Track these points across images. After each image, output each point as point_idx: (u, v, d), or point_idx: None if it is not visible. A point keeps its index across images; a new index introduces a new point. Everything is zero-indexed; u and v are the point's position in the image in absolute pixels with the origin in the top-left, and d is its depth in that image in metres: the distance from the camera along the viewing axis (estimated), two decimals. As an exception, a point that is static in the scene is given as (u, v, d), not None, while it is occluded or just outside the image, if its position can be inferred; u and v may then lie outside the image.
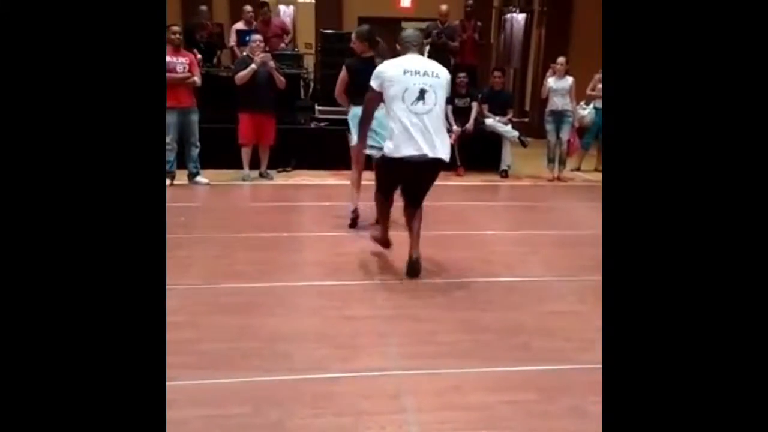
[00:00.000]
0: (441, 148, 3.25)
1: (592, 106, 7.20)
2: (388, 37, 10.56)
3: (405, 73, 3.16)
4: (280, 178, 6.36)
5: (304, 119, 7.18)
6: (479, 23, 7.61)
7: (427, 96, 3.14)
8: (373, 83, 3.24)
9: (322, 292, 3.15)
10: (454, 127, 6.88)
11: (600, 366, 2.43)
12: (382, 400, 2.11)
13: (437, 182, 6.58)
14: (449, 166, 6.83)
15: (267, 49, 6.39)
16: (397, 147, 3.16)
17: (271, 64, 5.98)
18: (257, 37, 6.16)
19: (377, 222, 3.83)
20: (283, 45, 7.47)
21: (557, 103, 6.68)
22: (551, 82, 6.67)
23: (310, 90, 7.98)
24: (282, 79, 6.04)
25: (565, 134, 6.74)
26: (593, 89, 7.16)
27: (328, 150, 6.89)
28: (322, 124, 7.03)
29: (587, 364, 2.42)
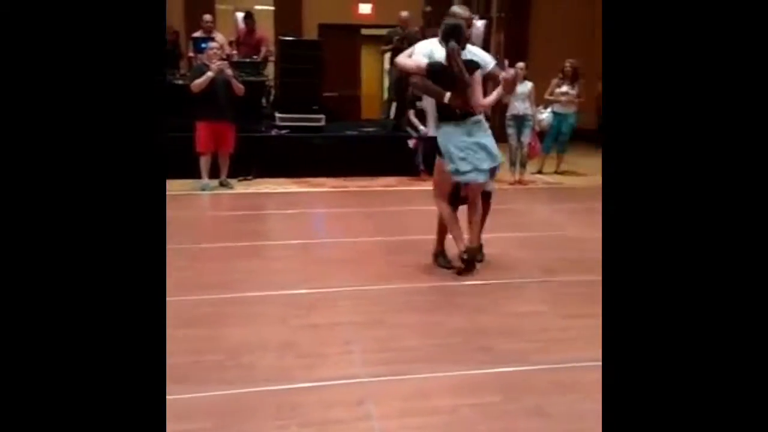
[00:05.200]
0: None
1: (550, 110, 7.35)
2: (347, 44, 10.62)
3: None
4: (241, 187, 6.28)
5: (265, 127, 7.13)
6: (438, 29, 7.69)
7: None
8: None
9: (287, 301, 3.12)
10: (422, 129, 6.94)
11: (561, 366, 2.49)
12: (347, 408, 2.10)
13: (402, 187, 6.66)
14: (412, 171, 6.96)
15: (225, 56, 6.33)
16: None
17: (228, 71, 5.92)
18: (213, 44, 6.11)
19: (438, 254, 3.67)
20: (255, 57, 7.40)
21: (518, 107, 6.81)
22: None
23: (271, 97, 7.93)
24: (240, 86, 5.99)
25: (526, 138, 6.88)
26: (551, 94, 7.32)
27: (290, 157, 6.87)
28: (283, 131, 6.99)
29: (549, 364, 2.47)
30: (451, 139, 3.37)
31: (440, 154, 3.43)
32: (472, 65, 3.36)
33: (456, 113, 3.34)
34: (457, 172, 3.37)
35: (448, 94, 3.27)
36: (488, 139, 3.46)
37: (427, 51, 3.41)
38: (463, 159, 3.34)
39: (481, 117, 3.46)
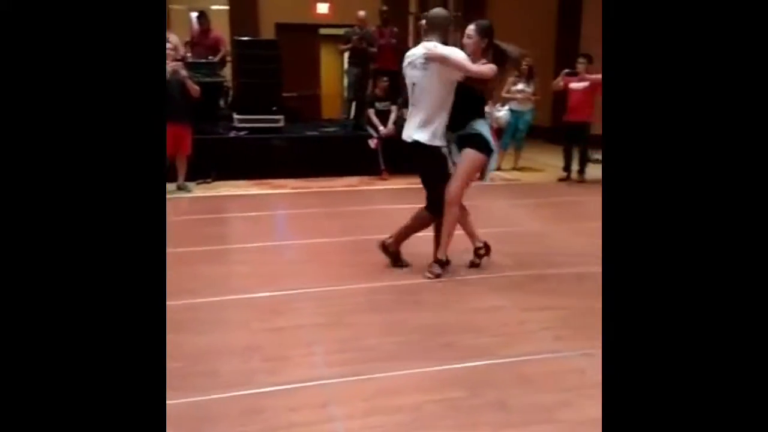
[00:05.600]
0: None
1: (507, 107, 7.48)
2: (305, 43, 10.56)
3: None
4: (200, 190, 6.17)
5: (223, 128, 7.02)
6: (395, 29, 7.73)
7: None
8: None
9: (249, 304, 3.09)
10: (381, 129, 6.97)
11: (523, 359, 2.55)
12: (311, 410, 2.10)
13: (364, 187, 6.66)
14: (374, 171, 6.98)
15: (179, 57, 6.21)
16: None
17: (183, 72, 5.81)
18: (167, 45, 5.98)
19: (437, 261, 3.55)
20: (211, 57, 7.27)
21: None
22: None
23: (229, 99, 7.81)
24: (196, 87, 5.88)
25: (485, 135, 7.00)
26: (508, 91, 7.45)
27: (250, 159, 6.79)
28: (242, 133, 6.90)
29: (510, 357, 2.52)
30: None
31: (482, 149, 3.46)
32: None
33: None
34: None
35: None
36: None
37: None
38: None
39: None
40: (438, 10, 3.54)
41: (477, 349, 2.58)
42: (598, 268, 3.18)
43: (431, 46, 3.30)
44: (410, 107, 3.53)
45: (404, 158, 3.84)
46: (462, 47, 3.39)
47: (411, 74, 3.42)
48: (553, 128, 8.77)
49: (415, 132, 3.42)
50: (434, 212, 3.51)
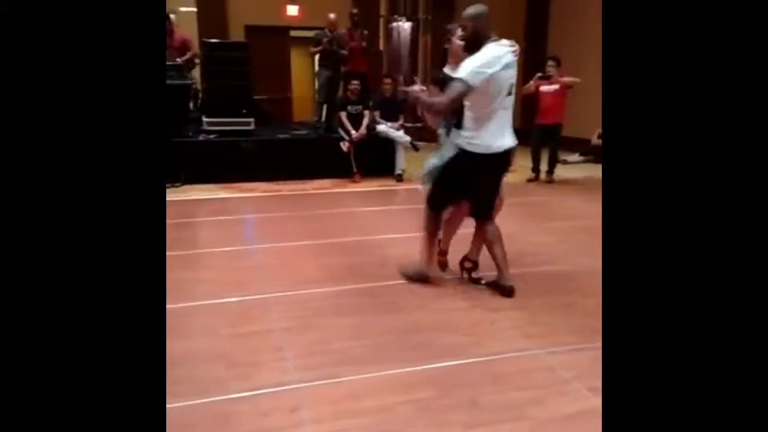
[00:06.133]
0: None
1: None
2: (276, 45, 10.48)
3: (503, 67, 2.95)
4: (169, 194, 6.06)
5: (193, 132, 6.92)
6: (365, 32, 7.73)
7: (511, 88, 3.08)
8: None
9: (217, 310, 3.04)
10: (353, 133, 6.95)
11: (493, 357, 2.56)
12: (280, 415, 2.07)
13: (336, 189, 6.64)
14: (346, 173, 6.96)
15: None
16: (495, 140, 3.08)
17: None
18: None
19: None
20: (178, 59, 7.14)
21: None
22: None
23: (199, 101, 7.71)
24: (163, 90, 5.78)
25: (455, 137, 7.06)
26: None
27: (220, 163, 6.70)
28: (211, 136, 6.81)
29: (481, 356, 2.53)
30: None
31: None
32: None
33: None
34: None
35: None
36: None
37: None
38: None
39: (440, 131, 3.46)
40: (478, 6, 3.04)
41: (448, 349, 2.59)
42: (566, 267, 3.24)
43: (509, 42, 3.05)
44: (498, 111, 3.05)
45: (487, 171, 3.23)
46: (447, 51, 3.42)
47: (508, 75, 2.99)
48: (521, 130, 8.87)
49: (511, 138, 3.17)
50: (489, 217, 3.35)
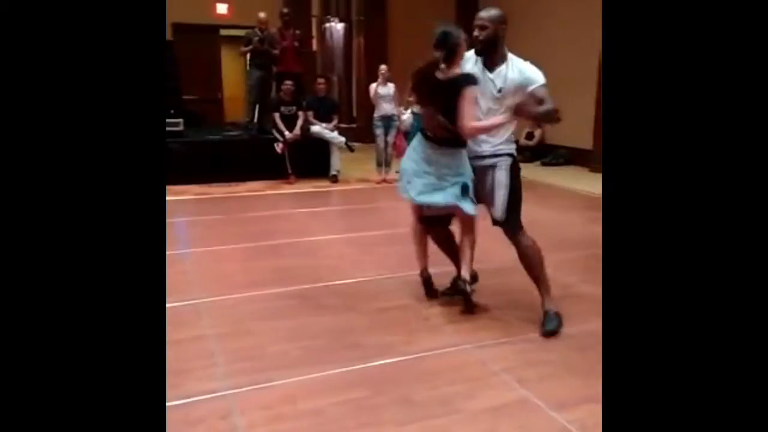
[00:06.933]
0: None
1: (410, 110, 7.65)
2: (205, 45, 10.20)
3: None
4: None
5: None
6: (298, 31, 7.67)
7: None
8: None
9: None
10: (287, 134, 6.88)
11: (426, 354, 2.60)
12: (212, 423, 2.03)
13: (270, 191, 6.54)
14: (280, 175, 6.88)
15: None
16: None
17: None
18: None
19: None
20: None
21: (385, 108, 7.07)
22: (380, 89, 7.03)
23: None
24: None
25: (391, 137, 7.17)
26: (410, 95, 7.61)
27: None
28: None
29: (414, 354, 2.57)
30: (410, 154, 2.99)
31: None
32: (459, 82, 2.73)
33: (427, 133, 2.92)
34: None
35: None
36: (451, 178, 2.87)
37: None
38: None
39: (461, 150, 2.89)
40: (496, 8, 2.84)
41: (381, 348, 2.61)
42: (494, 265, 3.33)
43: None
44: None
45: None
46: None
47: None
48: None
49: None
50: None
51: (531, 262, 2.89)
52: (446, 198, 2.86)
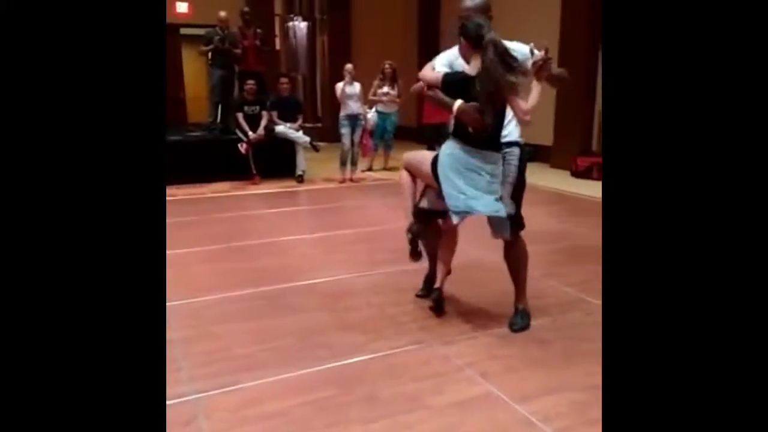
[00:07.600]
0: None
1: (374, 109, 7.68)
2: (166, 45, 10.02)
3: None
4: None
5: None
6: (259, 30, 7.60)
7: None
8: None
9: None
10: (251, 134, 6.81)
11: (392, 352, 2.63)
12: (176, 429, 2.01)
13: (235, 192, 6.48)
14: (245, 176, 6.81)
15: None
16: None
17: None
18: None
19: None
20: None
21: (352, 107, 7.08)
22: (347, 88, 7.03)
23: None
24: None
25: (357, 136, 7.18)
26: (374, 94, 7.65)
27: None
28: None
29: (380, 352, 2.59)
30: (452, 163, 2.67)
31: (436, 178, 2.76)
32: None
33: (469, 133, 2.62)
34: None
35: (458, 102, 2.59)
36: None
37: (446, 61, 2.78)
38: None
39: (515, 149, 2.76)
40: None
41: (347, 347, 2.63)
42: (456, 261, 3.38)
43: None
44: None
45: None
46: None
47: None
48: (420, 128, 9.15)
49: None
50: None
51: (523, 262, 2.92)
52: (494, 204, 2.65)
